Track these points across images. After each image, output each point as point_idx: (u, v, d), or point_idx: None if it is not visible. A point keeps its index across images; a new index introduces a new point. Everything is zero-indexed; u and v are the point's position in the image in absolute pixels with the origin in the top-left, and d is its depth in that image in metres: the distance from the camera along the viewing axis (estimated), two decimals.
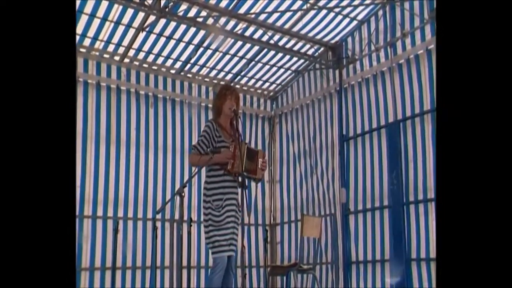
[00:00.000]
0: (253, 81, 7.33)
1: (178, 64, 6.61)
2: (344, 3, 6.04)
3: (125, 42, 5.98)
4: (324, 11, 6.11)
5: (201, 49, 6.39)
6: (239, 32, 6.19)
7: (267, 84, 7.47)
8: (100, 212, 5.79)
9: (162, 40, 6.10)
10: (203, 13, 5.78)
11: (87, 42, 5.86)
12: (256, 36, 6.33)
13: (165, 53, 6.34)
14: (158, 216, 5.76)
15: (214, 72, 6.94)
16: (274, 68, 7.11)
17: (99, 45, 5.97)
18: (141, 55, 6.30)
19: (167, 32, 6.00)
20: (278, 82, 7.46)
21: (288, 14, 6.08)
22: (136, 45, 6.06)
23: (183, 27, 5.95)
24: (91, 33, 5.72)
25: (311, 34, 6.52)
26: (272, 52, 6.73)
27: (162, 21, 5.75)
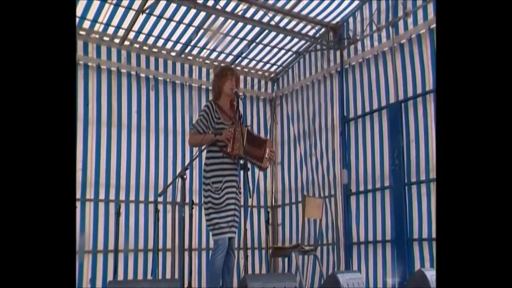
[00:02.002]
0: (254, 62, 7.28)
1: (178, 47, 6.56)
2: None
3: (125, 24, 5.93)
4: None
5: (202, 31, 6.34)
6: (240, 13, 6.13)
7: (268, 65, 7.43)
8: (102, 195, 5.80)
9: (163, 22, 6.05)
10: None
11: (86, 24, 5.82)
12: (257, 17, 6.28)
13: (165, 35, 6.29)
14: (160, 199, 5.78)
15: (214, 54, 6.90)
16: (275, 50, 7.06)
17: (99, 27, 5.93)
18: (141, 38, 6.25)
19: (167, 14, 5.94)
20: (279, 63, 7.41)
21: None
22: (136, 27, 6.01)
23: (183, 8, 5.89)
24: (90, 15, 5.66)
25: (312, 15, 6.45)
26: (273, 34, 6.66)
27: (162, 3, 5.70)
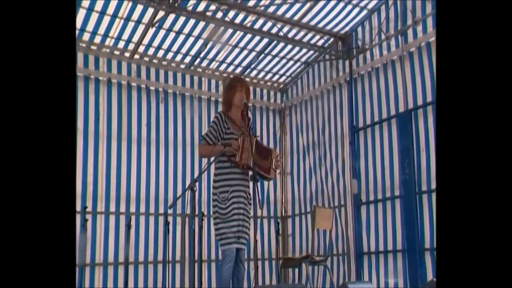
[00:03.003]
0: (263, 73, 7.32)
1: (187, 59, 6.62)
2: None
3: (135, 38, 6.01)
4: (333, 1, 6.07)
5: (211, 43, 6.39)
6: (249, 25, 6.18)
7: (277, 76, 7.46)
8: (112, 208, 5.85)
9: (172, 35, 6.12)
10: (212, 7, 5.78)
11: (98, 39, 5.91)
12: (265, 28, 6.32)
13: (174, 48, 6.36)
14: (170, 211, 5.80)
15: (224, 66, 6.95)
16: (284, 60, 7.09)
17: (109, 42, 6.02)
18: (151, 51, 6.33)
19: (176, 27, 6.01)
20: (288, 74, 7.44)
21: (298, 5, 6.04)
22: (146, 41, 6.09)
23: (192, 21, 5.96)
24: (101, 30, 5.76)
25: (320, 25, 6.48)
26: (281, 44, 6.70)
27: (172, 16, 5.77)
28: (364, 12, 6.38)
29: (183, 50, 6.43)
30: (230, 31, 6.26)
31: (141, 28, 5.86)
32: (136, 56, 6.29)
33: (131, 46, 6.14)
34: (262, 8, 6.00)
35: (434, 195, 5.39)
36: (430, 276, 5.25)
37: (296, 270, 5.61)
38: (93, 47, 5.98)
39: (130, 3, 5.47)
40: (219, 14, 5.89)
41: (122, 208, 5.90)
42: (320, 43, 6.78)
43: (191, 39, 6.26)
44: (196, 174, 6.27)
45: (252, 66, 7.04)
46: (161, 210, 6.11)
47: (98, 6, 5.41)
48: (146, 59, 6.41)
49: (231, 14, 5.95)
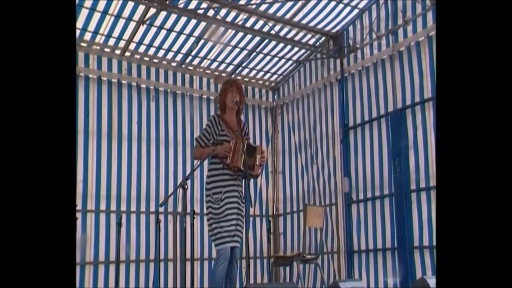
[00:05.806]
0: (254, 72, 7.31)
1: (179, 57, 6.60)
2: None
3: (126, 35, 5.98)
4: (325, 0, 6.09)
5: (202, 41, 6.38)
6: (240, 23, 6.18)
7: (268, 75, 7.46)
8: (103, 207, 5.81)
9: (163, 32, 6.09)
10: (204, 5, 5.77)
11: (88, 36, 5.86)
12: (257, 27, 6.32)
13: (166, 45, 6.33)
14: (161, 209, 5.78)
15: (215, 64, 6.93)
16: (275, 59, 7.09)
17: (100, 39, 5.97)
18: (142, 48, 6.30)
19: (168, 25, 5.99)
20: (279, 72, 7.45)
21: (289, 4, 6.05)
22: (137, 38, 6.06)
23: (183, 19, 5.94)
24: (91, 27, 5.72)
25: (312, 24, 6.49)
26: (273, 43, 6.71)
27: (163, 14, 5.74)
28: (355, 11, 6.41)
29: (175, 48, 6.41)
30: (221, 29, 6.25)
31: (132, 25, 5.83)
32: (127, 54, 6.25)
33: (121, 44, 6.10)
34: (254, 6, 6.00)
35: (423, 194, 5.45)
36: (419, 273, 5.30)
37: (288, 268, 5.64)
38: (83, 44, 5.93)
39: (121, 0, 5.43)
40: (211, 12, 5.88)
41: (113, 207, 5.87)
42: (311, 42, 6.80)
43: (182, 37, 6.24)
44: (187, 172, 6.24)
45: (244, 64, 7.03)
46: (152, 208, 6.08)
47: (88, 2, 5.37)
48: (137, 56, 6.37)
49: (223, 12, 5.95)
